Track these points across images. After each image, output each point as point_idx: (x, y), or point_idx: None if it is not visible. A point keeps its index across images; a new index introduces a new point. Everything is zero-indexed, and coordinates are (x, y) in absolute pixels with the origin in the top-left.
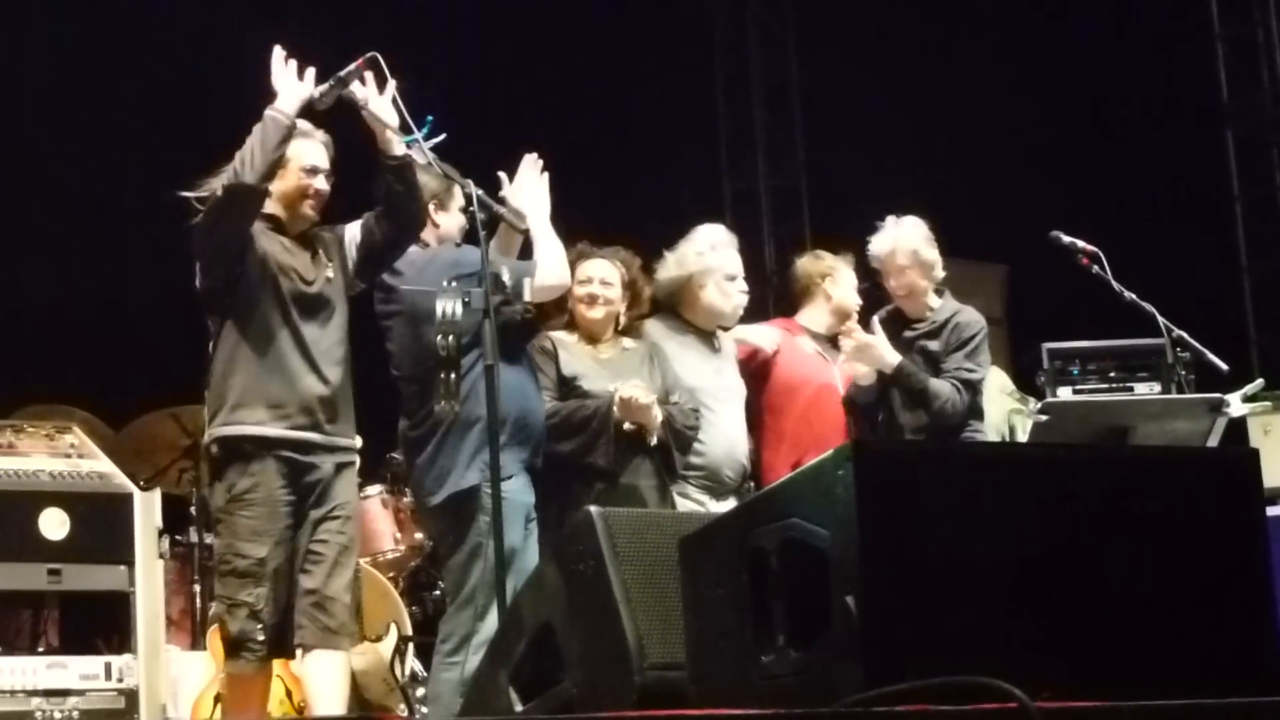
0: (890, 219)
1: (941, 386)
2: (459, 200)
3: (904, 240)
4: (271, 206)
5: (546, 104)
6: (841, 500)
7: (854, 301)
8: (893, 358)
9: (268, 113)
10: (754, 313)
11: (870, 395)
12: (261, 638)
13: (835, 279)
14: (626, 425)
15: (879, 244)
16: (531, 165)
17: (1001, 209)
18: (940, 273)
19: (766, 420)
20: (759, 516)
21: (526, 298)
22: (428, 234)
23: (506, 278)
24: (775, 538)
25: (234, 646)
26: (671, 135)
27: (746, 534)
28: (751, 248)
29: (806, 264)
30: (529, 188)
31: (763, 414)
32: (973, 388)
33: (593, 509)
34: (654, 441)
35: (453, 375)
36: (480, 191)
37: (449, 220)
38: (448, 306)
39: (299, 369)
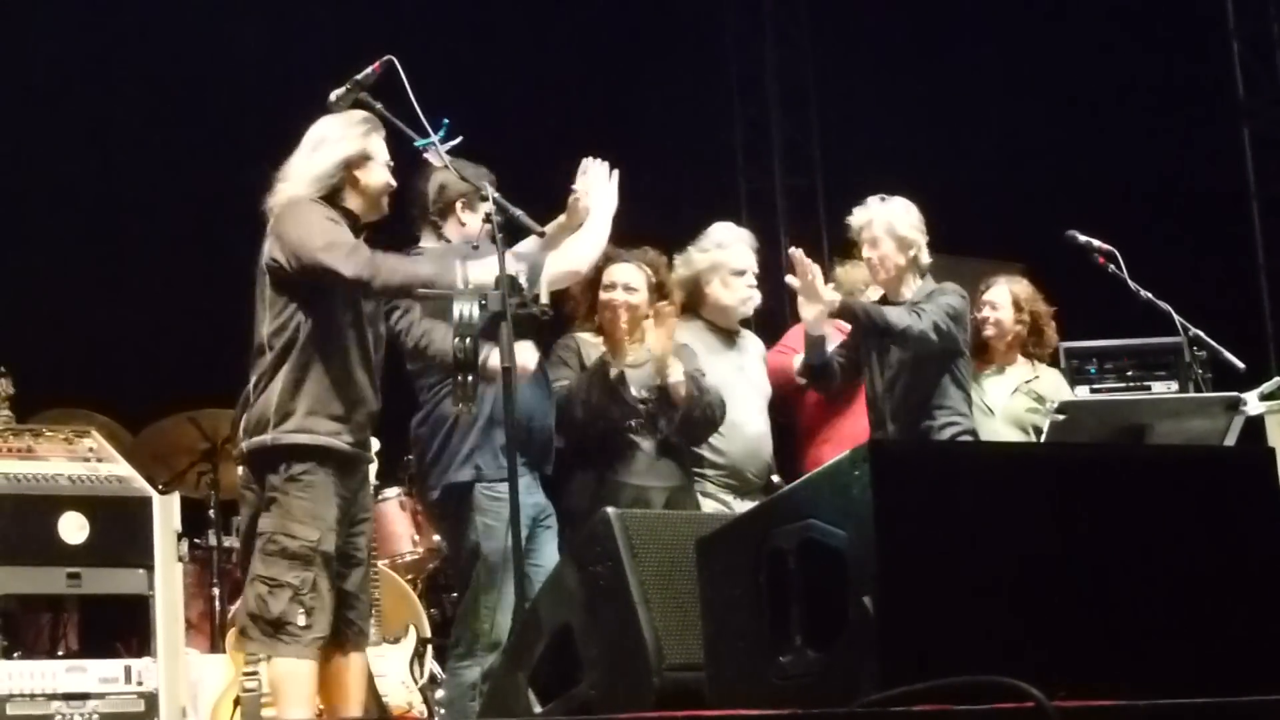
0: (878, 197)
1: (898, 313)
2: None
3: (882, 214)
4: (353, 202)
5: (558, 106)
6: (858, 500)
7: None
8: (831, 295)
9: (455, 268)
10: (771, 313)
11: (821, 354)
12: (303, 623)
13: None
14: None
15: (859, 215)
16: (599, 167)
17: (1018, 208)
18: (925, 258)
19: (821, 422)
20: (776, 517)
21: (543, 298)
22: (451, 231)
23: (524, 280)
24: (793, 538)
25: (273, 628)
26: (686, 136)
27: (764, 534)
28: (767, 248)
29: (849, 272)
30: (598, 188)
31: (818, 415)
32: (935, 323)
33: (610, 511)
34: (682, 393)
35: (469, 377)
36: (498, 194)
37: (474, 220)
38: (464, 309)
39: (364, 382)
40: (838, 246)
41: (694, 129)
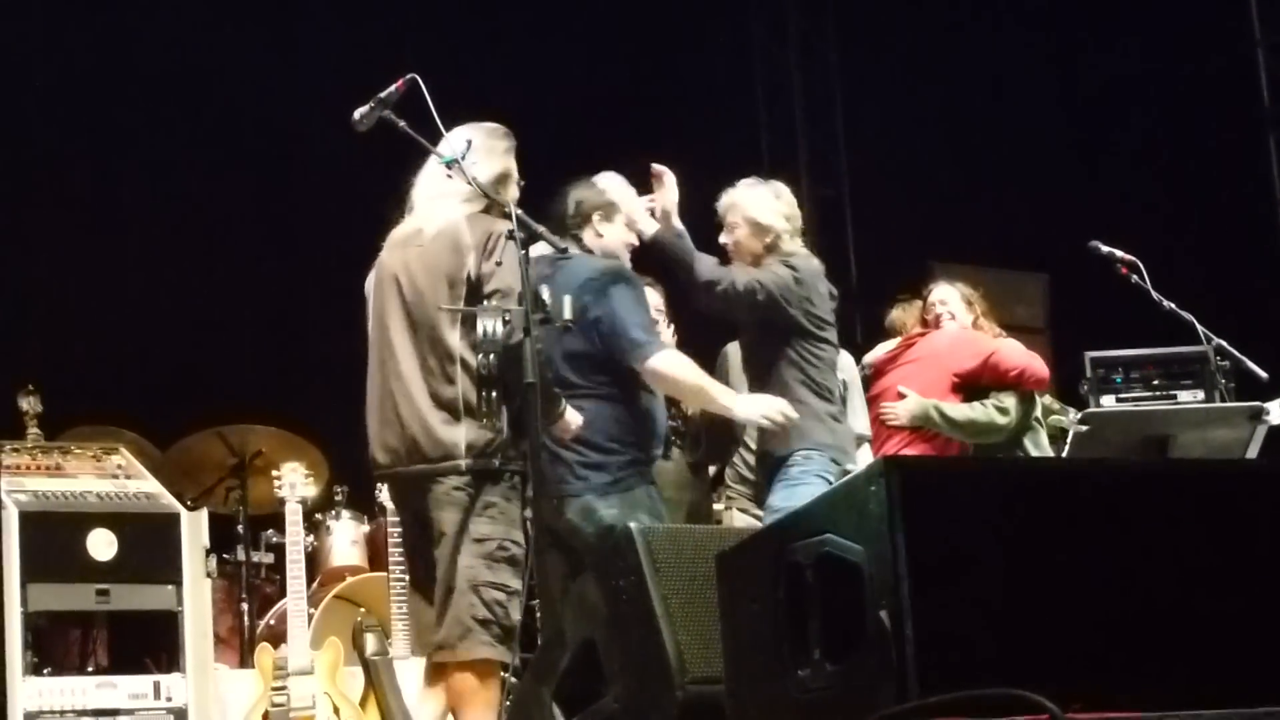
0: (750, 180)
1: (709, 264)
2: (623, 216)
3: (742, 199)
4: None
5: (584, 115)
6: (874, 516)
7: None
8: (649, 224)
9: None
10: None
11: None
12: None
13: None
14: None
15: (724, 197)
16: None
17: (1042, 218)
18: (788, 246)
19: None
20: (795, 532)
21: (566, 315)
22: (590, 242)
23: (547, 296)
24: (811, 553)
25: (506, 635)
26: (711, 145)
27: (782, 549)
28: None
29: (902, 313)
30: (670, 191)
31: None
32: (752, 285)
33: (633, 525)
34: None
35: (493, 394)
36: (520, 211)
37: (611, 231)
38: (488, 324)
39: None
40: (865, 255)
41: (719, 138)
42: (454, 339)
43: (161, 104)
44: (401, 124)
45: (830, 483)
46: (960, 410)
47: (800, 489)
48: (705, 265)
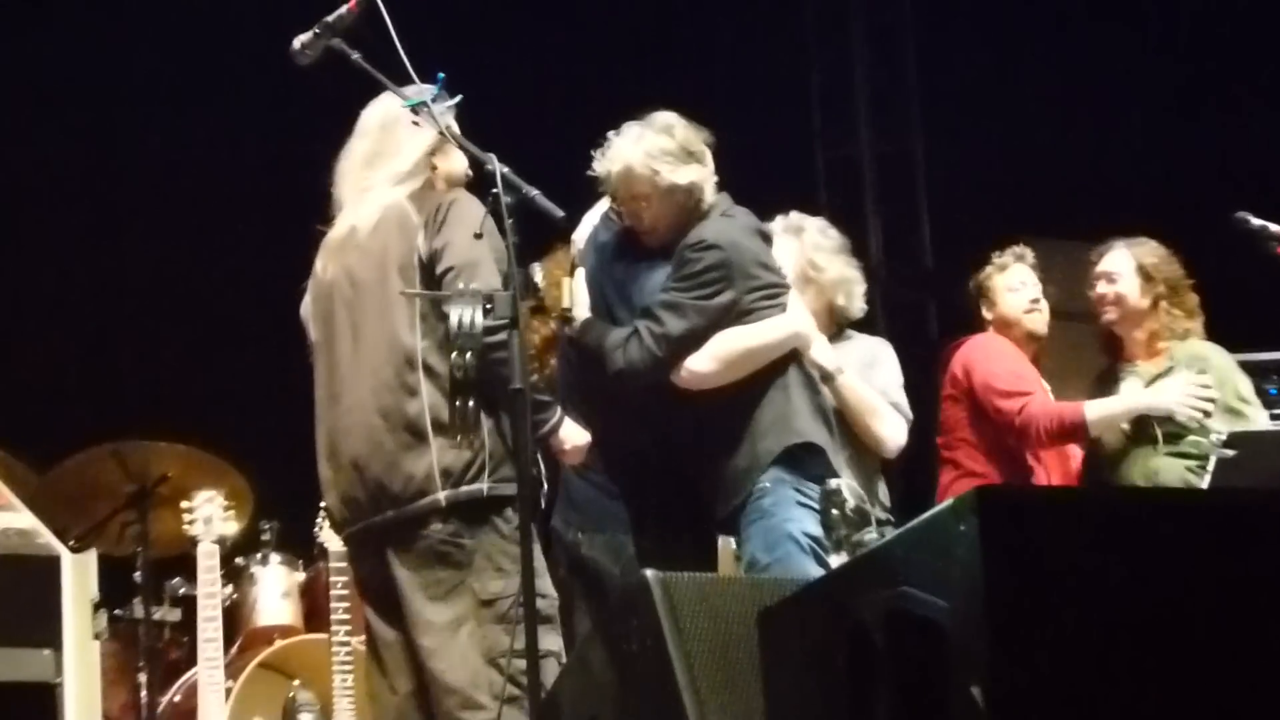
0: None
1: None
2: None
3: (634, 157)
4: None
5: (611, 53)
6: (964, 563)
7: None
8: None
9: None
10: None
11: None
12: None
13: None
14: None
15: (604, 162)
16: None
17: (1169, 182)
18: (711, 197)
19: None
20: (860, 582)
21: (565, 301)
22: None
23: (538, 277)
24: (880, 609)
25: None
26: (749, 91)
27: (844, 605)
28: (853, 230)
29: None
30: None
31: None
32: (668, 336)
33: (649, 573)
34: None
35: (469, 403)
36: (507, 169)
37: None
38: (464, 314)
39: None
40: (941, 229)
41: (759, 82)
42: (412, 339)
43: (56, 100)
44: (355, 55)
45: (815, 508)
46: None
47: (782, 526)
48: (608, 337)
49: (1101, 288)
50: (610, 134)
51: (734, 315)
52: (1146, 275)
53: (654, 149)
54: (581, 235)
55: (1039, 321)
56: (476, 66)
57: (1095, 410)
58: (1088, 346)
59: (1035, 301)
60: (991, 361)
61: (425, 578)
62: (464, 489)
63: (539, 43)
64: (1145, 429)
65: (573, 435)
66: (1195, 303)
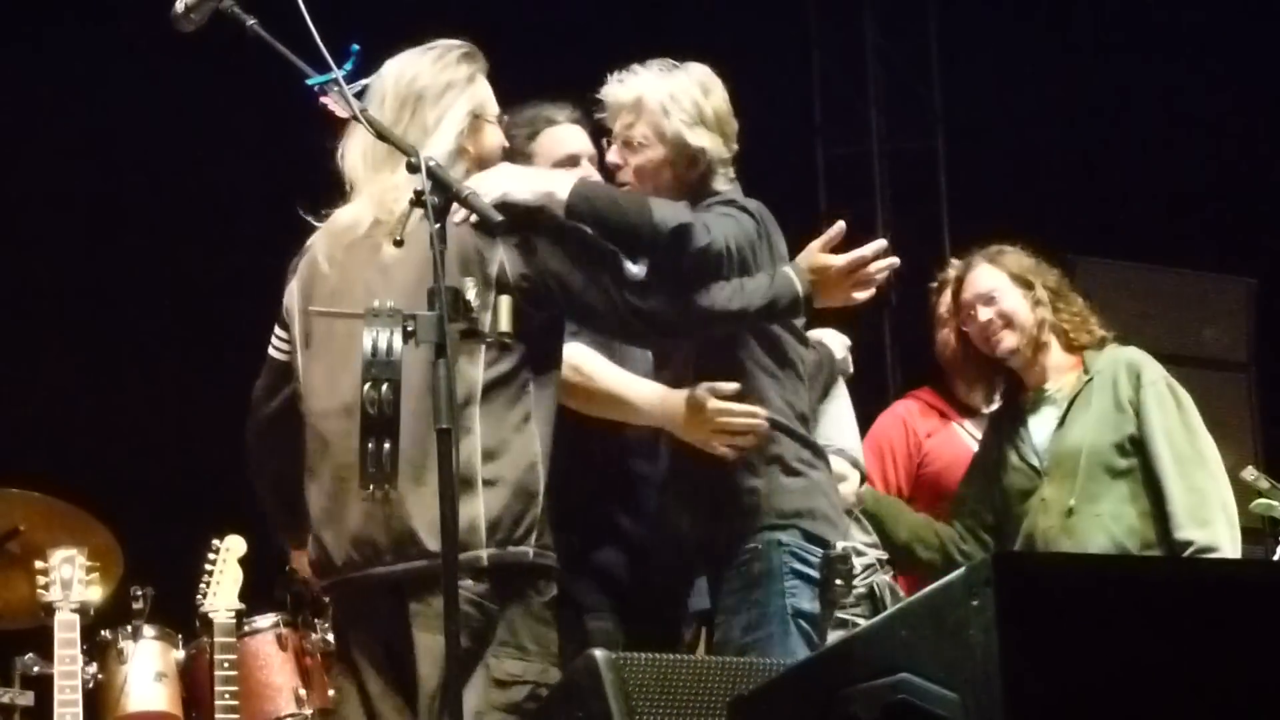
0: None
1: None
2: None
3: (652, 95)
4: None
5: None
6: (977, 645)
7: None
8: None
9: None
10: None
11: None
12: None
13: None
14: None
15: (615, 88)
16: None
17: (1245, 196)
18: (721, 184)
19: None
20: (851, 669)
21: (503, 323)
22: None
23: (471, 293)
24: (875, 701)
25: None
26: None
27: (833, 694)
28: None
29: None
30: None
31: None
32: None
33: (597, 653)
34: None
35: (385, 445)
36: (435, 162)
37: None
38: (378, 337)
39: None
40: (963, 236)
41: (751, 64)
42: (475, 370)
43: None
44: (251, 22)
45: (813, 577)
46: None
47: (775, 601)
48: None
49: (984, 313)
50: (635, 65)
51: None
52: (1025, 283)
53: (681, 93)
54: None
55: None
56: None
57: None
58: None
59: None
60: None
61: (430, 644)
62: (511, 550)
63: (533, 36)
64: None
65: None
66: (1082, 304)
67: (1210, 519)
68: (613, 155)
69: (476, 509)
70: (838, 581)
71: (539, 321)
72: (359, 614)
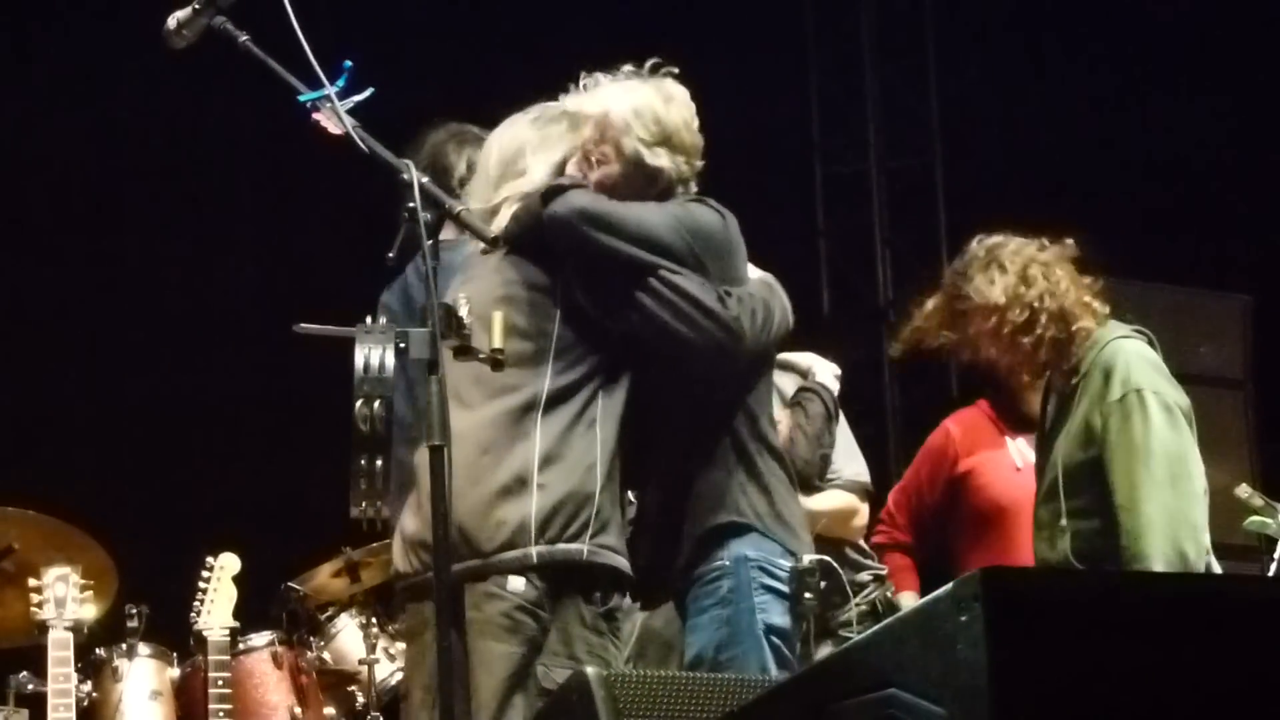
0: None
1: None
2: None
3: (616, 106)
4: None
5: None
6: (966, 660)
7: None
8: None
9: None
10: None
11: None
12: None
13: None
14: None
15: (575, 97)
16: None
17: (1241, 212)
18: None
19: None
20: (839, 684)
21: (496, 340)
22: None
23: (464, 311)
24: (865, 717)
25: None
26: (738, 94)
27: (820, 711)
28: (858, 263)
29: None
30: None
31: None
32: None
33: (589, 670)
34: None
35: (375, 463)
36: (426, 179)
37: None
38: (370, 355)
39: None
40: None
41: (749, 83)
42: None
43: None
44: (244, 39)
45: (783, 592)
46: None
47: (745, 618)
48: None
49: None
50: (600, 75)
51: None
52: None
53: (644, 108)
54: None
55: None
56: (468, 67)
57: None
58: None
59: None
60: None
61: (488, 650)
62: (561, 547)
63: (529, 45)
64: None
65: None
66: (1065, 282)
67: (1146, 537)
68: (572, 168)
69: (528, 508)
70: (807, 595)
71: (613, 333)
72: (419, 621)
